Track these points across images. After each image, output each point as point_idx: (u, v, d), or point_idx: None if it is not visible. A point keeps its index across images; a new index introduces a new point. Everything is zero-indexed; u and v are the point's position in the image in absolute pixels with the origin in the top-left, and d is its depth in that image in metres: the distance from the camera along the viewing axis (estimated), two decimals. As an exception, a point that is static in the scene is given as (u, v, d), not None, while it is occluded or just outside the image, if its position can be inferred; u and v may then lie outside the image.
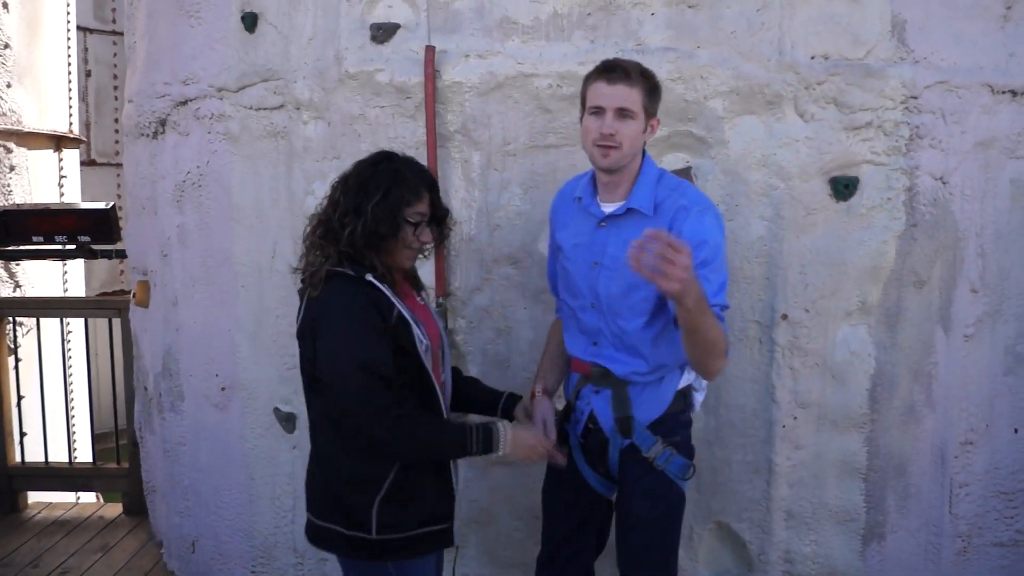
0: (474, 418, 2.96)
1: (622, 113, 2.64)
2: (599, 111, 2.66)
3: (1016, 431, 3.62)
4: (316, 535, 2.75)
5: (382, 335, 2.56)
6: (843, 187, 3.27)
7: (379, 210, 2.57)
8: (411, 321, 2.61)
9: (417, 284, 2.88)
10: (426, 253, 2.83)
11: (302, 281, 2.71)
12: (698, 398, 2.90)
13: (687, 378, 2.84)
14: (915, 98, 3.28)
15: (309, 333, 2.62)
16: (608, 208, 2.78)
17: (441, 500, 2.73)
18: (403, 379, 2.60)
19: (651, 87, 2.69)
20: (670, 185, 2.78)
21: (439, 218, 2.75)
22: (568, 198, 2.95)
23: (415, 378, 2.64)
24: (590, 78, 2.72)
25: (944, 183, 3.37)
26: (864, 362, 3.35)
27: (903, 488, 3.48)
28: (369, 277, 2.58)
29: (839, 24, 3.26)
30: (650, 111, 2.70)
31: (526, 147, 3.33)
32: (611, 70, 2.66)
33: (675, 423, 2.83)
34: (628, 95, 2.64)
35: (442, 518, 2.73)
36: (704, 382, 2.88)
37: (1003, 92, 3.43)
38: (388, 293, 2.59)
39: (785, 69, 3.23)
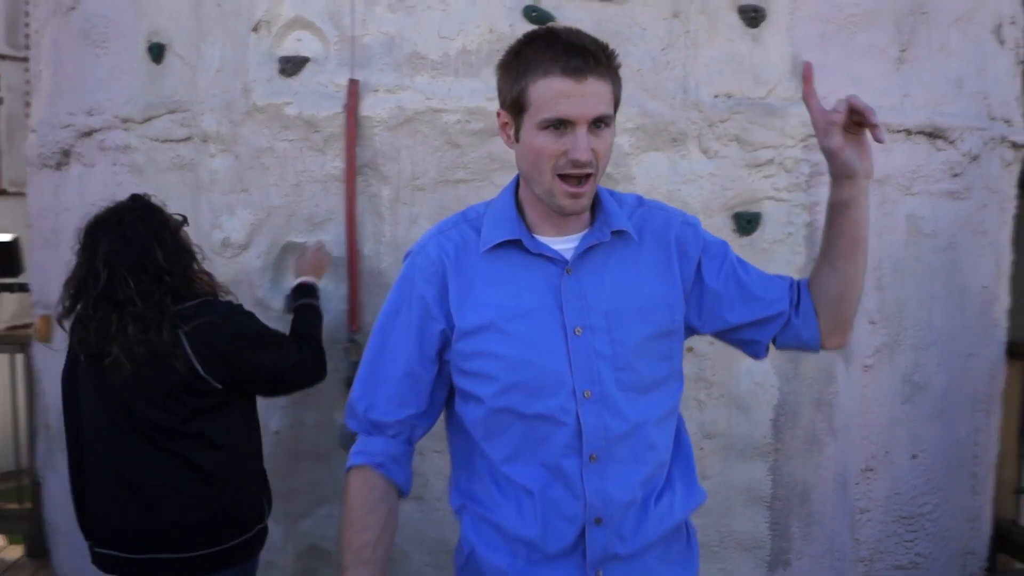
0: None
1: (597, 122, 1.71)
2: (564, 125, 1.70)
3: (914, 457, 3.72)
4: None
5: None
6: (746, 222, 3.34)
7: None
8: None
9: None
10: None
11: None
12: None
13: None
14: (815, 136, 3.35)
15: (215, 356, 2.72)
16: (571, 244, 1.85)
17: (265, 493, 2.88)
18: None
19: (616, 69, 1.77)
20: (631, 202, 1.97)
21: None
22: (464, 253, 1.90)
23: None
24: (538, 67, 1.70)
25: (843, 218, 3.46)
26: (767, 392, 3.42)
27: (807, 515, 3.55)
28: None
29: (741, 64, 3.35)
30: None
31: (435, 181, 3.34)
32: (574, 56, 1.67)
33: None
34: (602, 93, 1.70)
35: (265, 514, 2.86)
36: None
37: (898, 131, 3.55)
38: None
39: (689, 107, 3.30)
